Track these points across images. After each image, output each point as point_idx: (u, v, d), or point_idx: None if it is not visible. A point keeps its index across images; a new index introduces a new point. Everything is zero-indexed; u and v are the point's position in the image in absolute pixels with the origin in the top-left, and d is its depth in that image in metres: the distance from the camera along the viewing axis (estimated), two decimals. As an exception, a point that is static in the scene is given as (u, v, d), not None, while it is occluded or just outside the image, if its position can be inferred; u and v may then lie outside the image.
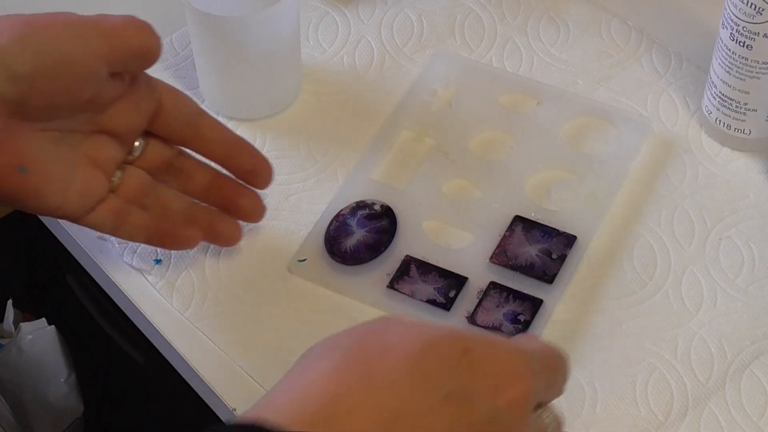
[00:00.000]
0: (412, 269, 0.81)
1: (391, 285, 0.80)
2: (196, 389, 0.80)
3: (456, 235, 0.83)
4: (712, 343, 0.78)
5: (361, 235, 0.82)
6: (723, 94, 0.86)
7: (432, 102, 0.91)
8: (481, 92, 0.91)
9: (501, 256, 0.81)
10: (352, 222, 0.83)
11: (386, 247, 0.82)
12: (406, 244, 0.82)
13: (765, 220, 0.84)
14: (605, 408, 0.75)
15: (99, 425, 1.26)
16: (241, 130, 0.90)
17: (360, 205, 0.84)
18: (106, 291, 0.86)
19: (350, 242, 0.82)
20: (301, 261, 0.82)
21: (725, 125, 0.87)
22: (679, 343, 0.78)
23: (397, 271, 0.81)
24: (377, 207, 0.84)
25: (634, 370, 0.77)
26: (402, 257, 0.82)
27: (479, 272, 0.81)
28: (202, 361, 0.79)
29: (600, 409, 0.75)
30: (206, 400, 0.79)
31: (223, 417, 0.78)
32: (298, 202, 0.86)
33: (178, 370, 0.81)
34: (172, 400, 1.00)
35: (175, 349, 0.79)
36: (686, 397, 0.75)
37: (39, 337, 1.20)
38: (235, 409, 0.76)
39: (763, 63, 0.82)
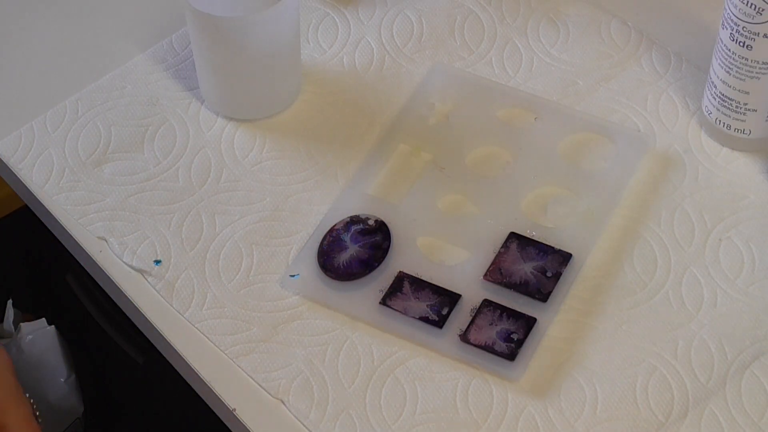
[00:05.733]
0: (405, 286, 0.80)
1: (384, 301, 0.80)
2: (195, 389, 0.80)
3: (450, 251, 0.83)
4: (712, 344, 0.78)
5: (354, 251, 0.82)
6: (723, 95, 0.86)
7: (429, 116, 0.90)
8: (479, 106, 0.91)
9: (495, 273, 0.81)
10: (346, 237, 0.83)
11: (379, 262, 0.81)
12: (400, 259, 0.82)
13: (765, 220, 0.84)
14: (606, 408, 0.75)
15: (99, 425, 1.25)
16: (241, 131, 0.90)
17: (354, 220, 0.84)
18: (106, 291, 0.86)
19: (343, 258, 0.82)
20: (293, 276, 0.82)
21: (725, 125, 0.87)
22: (679, 343, 0.78)
23: (389, 288, 0.80)
24: (371, 222, 0.83)
25: (635, 370, 0.77)
26: (395, 273, 0.81)
27: (473, 289, 0.80)
28: (202, 361, 0.79)
29: (600, 409, 0.75)
30: (206, 400, 0.79)
31: (223, 417, 0.78)
32: (298, 203, 0.86)
33: (178, 370, 0.81)
34: (172, 400, 1.00)
35: (174, 350, 0.79)
36: (687, 397, 0.75)
37: (39, 338, 1.20)
38: (234, 409, 0.76)
39: (763, 63, 0.82)
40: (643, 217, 0.84)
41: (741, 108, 0.85)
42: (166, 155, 0.90)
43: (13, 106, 0.94)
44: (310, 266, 0.82)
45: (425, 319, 0.79)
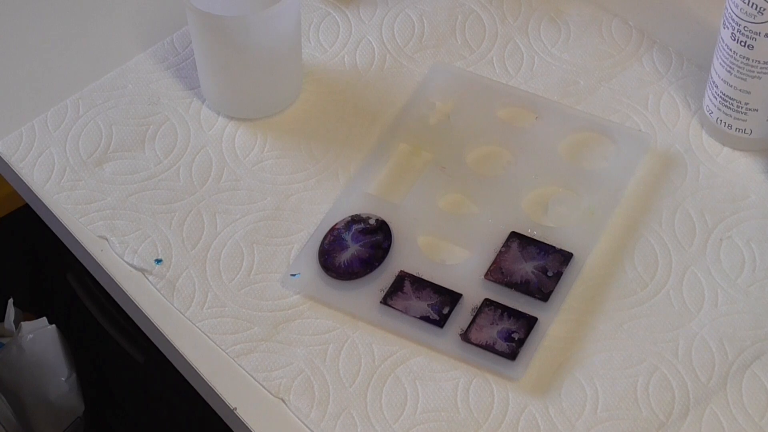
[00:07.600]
0: (406, 285, 0.80)
1: (385, 301, 0.80)
2: (196, 388, 0.80)
3: (451, 250, 0.83)
4: (713, 344, 0.78)
5: (355, 250, 0.82)
6: (724, 94, 0.86)
7: (430, 115, 0.90)
8: (480, 106, 0.91)
9: (496, 272, 0.81)
10: (347, 236, 0.83)
11: (380, 262, 0.81)
12: (401, 259, 0.82)
13: (766, 220, 0.84)
14: (606, 408, 0.75)
15: (99, 425, 1.26)
16: (242, 130, 0.90)
17: (355, 219, 0.84)
18: (107, 290, 0.86)
19: (344, 257, 0.82)
20: (293, 275, 0.82)
21: (726, 125, 0.87)
22: (680, 343, 0.78)
23: (390, 287, 0.80)
24: (372, 221, 0.83)
25: (636, 370, 0.77)
26: (396, 273, 0.81)
27: (474, 289, 0.80)
28: (203, 360, 0.79)
29: (601, 409, 0.75)
30: (206, 400, 0.79)
31: (224, 416, 0.78)
32: (299, 202, 0.86)
33: (179, 370, 0.81)
34: (172, 399, 1.00)
35: (175, 349, 0.79)
36: (687, 397, 0.75)
37: (39, 336, 1.20)
38: (235, 409, 0.76)
39: (764, 63, 0.82)
40: (644, 216, 0.84)
41: (742, 108, 0.85)
42: (167, 154, 0.90)
43: (14, 106, 0.94)
44: (311, 265, 0.82)
45: (426, 319, 0.79)
